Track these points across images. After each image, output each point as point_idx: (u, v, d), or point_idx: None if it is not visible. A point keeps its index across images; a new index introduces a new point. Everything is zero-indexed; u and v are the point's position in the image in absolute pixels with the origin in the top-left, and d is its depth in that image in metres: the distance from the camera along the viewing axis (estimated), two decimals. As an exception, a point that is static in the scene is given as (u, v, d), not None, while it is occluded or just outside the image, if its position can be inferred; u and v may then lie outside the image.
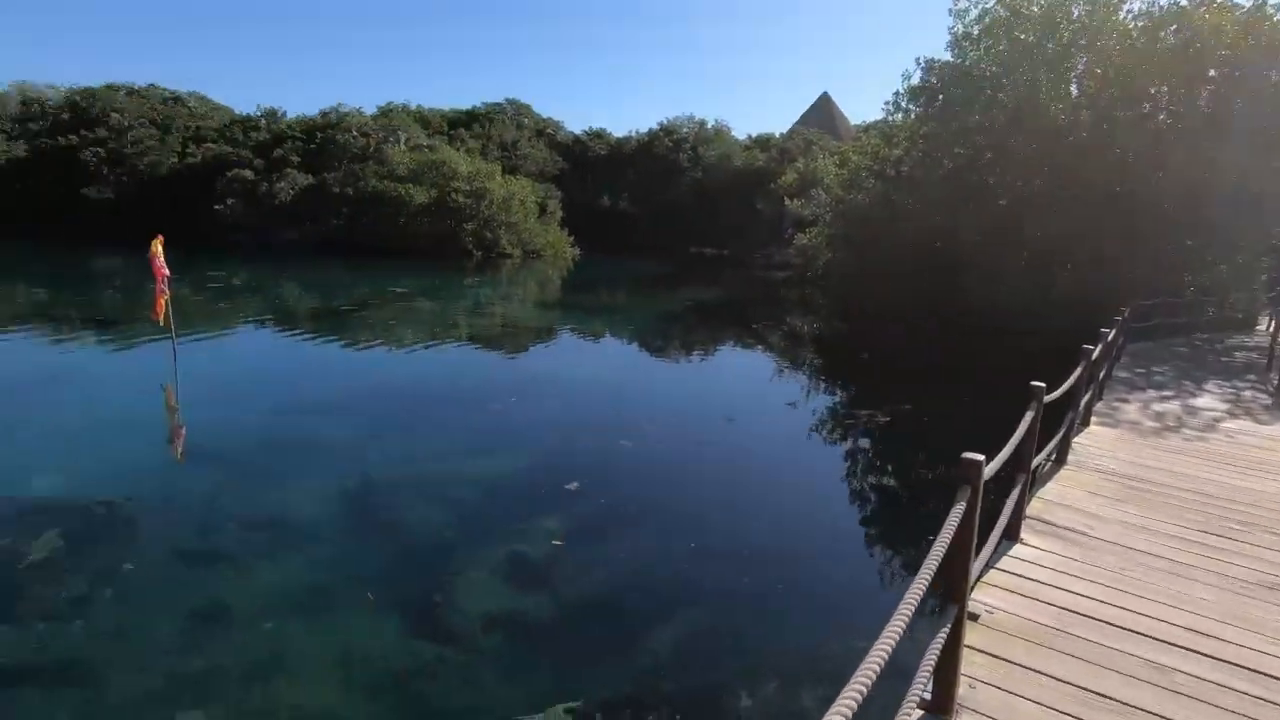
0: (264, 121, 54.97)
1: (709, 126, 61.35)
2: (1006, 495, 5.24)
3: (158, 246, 12.03)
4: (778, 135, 63.31)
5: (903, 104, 22.79)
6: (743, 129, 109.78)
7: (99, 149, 48.25)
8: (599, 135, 65.97)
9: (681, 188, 55.89)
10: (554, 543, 7.47)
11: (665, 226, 55.85)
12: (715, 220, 54.89)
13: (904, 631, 2.21)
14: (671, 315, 24.02)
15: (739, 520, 8.39)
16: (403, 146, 46.45)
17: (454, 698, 5.42)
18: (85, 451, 9.04)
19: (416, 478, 8.88)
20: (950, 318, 20.97)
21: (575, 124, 69.79)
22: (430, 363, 15.59)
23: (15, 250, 36.96)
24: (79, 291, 24.62)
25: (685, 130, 60.38)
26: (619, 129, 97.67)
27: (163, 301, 12.10)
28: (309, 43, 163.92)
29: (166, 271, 12.08)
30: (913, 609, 2.36)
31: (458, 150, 50.25)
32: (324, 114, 53.02)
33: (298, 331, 19.22)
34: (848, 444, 11.64)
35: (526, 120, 67.33)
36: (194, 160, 49.44)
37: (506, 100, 68.23)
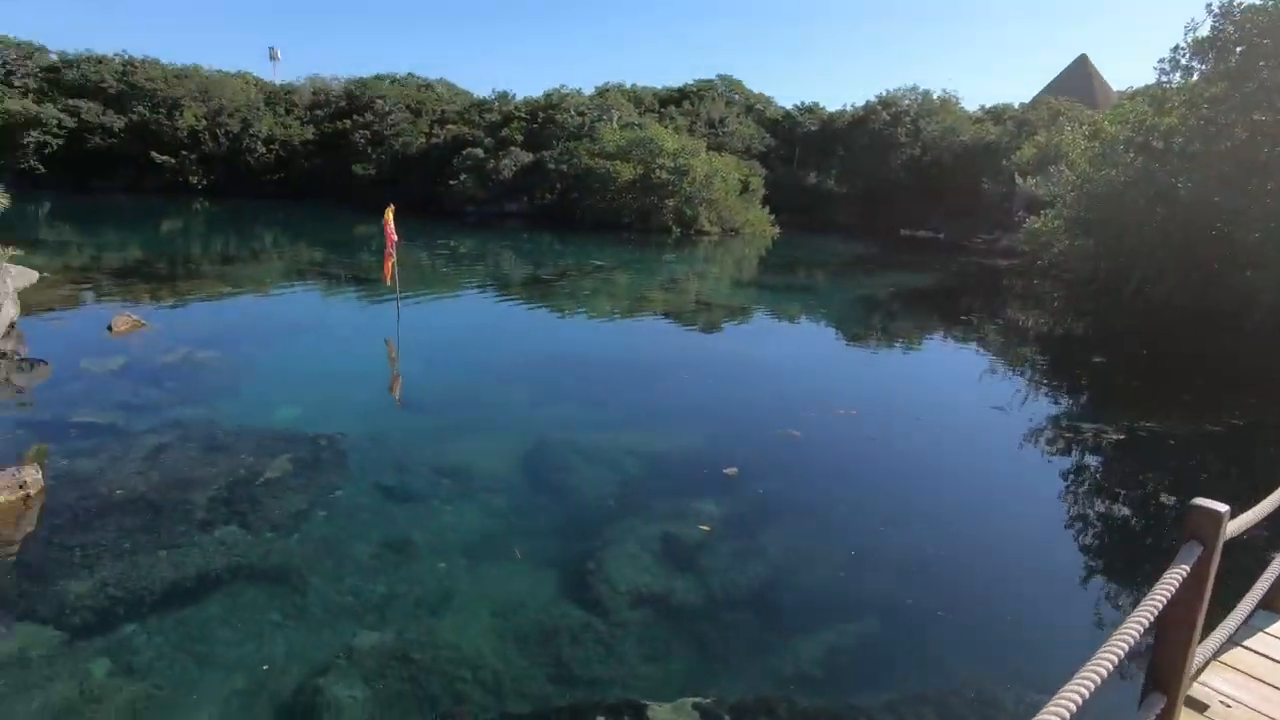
0: (496, 104, 60.08)
1: (934, 97, 56.14)
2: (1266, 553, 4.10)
3: (389, 216, 13.65)
4: (1016, 105, 56.33)
5: (1183, 60, 18.93)
6: (974, 99, 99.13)
7: (366, 131, 55.88)
8: (810, 110, 63.35)
9: (896, 165, 51.94)
10: (701, 528, 7.32)
11: (875, 206, 52.47)
12: (932, 200, 50.41)
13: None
14: (871, 300, 22.45)
15: (911, 532, 7.61)
16: (614, 125, 48.19)
17: (592, 667, 5.51)
18: (319, 392, 10.56)
19: (587, 443, 9.18)
20: (1223, 321, 17.27)
21: (789, 99, 67.36)
22: (616, 333, 16.11)
23: (304, 217, 44.18)
24: (344, 254, 28.75)
25: (906, 102, 55.82)
26: (834, 104, 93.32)
27: (390, 264, 13.75)
28: (534, 32, 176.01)
29: (395, 238, 13.67)
30: (1088, 690, 1.85)
31: (665, 128, 51.13)
32: (547, 95, 56.73)
33: (504, 296, 20.84)
34: (1061, 462, 10.04)
35: (737, 96, 66.53)
36: (438, 140, 55.49)
37: (718, 77, 67.83)
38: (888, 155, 52.01)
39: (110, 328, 11.77)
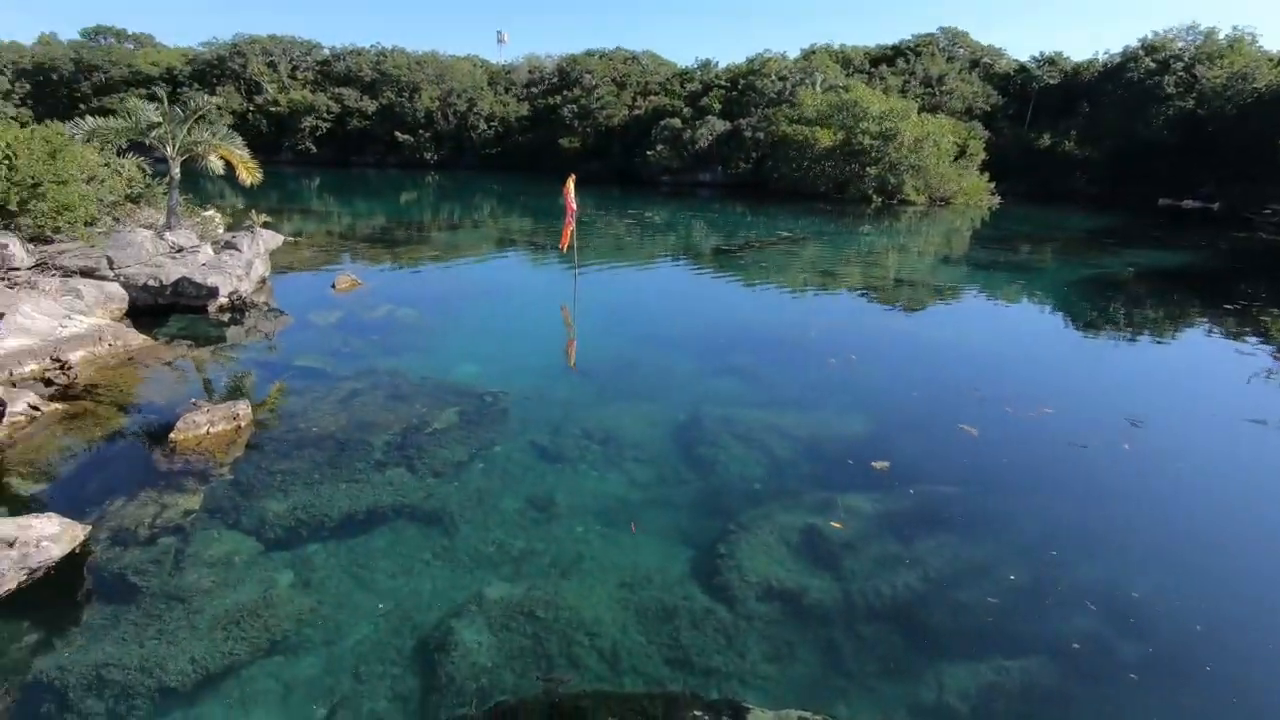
0: (698, 73, 59.93)
1: (1219, 37, 46.21)
2: None
3: (570, 186, 14.07)
4: (1343, 40, 44.70)
5: None
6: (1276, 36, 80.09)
7: (573, 105, 58.65)
8: (1050, 61, 55.37)
9: (1158, 122, 43.71)
10: (833, 525, 6.70)
11: (1125, 171, 44.80)
12: (1206, 163, 41.89)
13: None
14: (1103, 282, 19.16)
15: (1108, 564, 6.35)
16: (817, 89, 45.85)
17: (710, 655, 5.29)
18: (496, 351, 11.28)
19: (742, 420, 8.83)
20: None
21: (1024, 50, 59.43)
22: (793, 308, 15.35)
23: (516, 189, 47.50)
24: (547, 222, 30.44)
25: (1180, 45, 46.62)
26: (1084, 53, 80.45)
27: (569, 232, 14.22)
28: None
29: (574, 207, 14.09)
30: None
31: (875, 89, 47.58)
32: (749, 61, 55.39)
33: (684, 266, 20.82)
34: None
35: (961, 50, 60.02)
36: (639, 111, 56.71)
37: (940, 29, 61.65)
38: (1147, 110, 43.99)
39: (334, 285, 13.58)
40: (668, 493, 7.52)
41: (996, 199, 39.97)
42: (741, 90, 49.66)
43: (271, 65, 62.57)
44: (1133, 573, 6.16)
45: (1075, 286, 18.82)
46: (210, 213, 13.59)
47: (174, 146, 13.05)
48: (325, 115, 59.65)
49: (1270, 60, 43.96)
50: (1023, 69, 55.69)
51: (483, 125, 61.23)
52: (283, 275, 15.73)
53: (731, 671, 5.19)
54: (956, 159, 39.93)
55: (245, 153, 12.32)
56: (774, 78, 47.92)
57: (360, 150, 62.08)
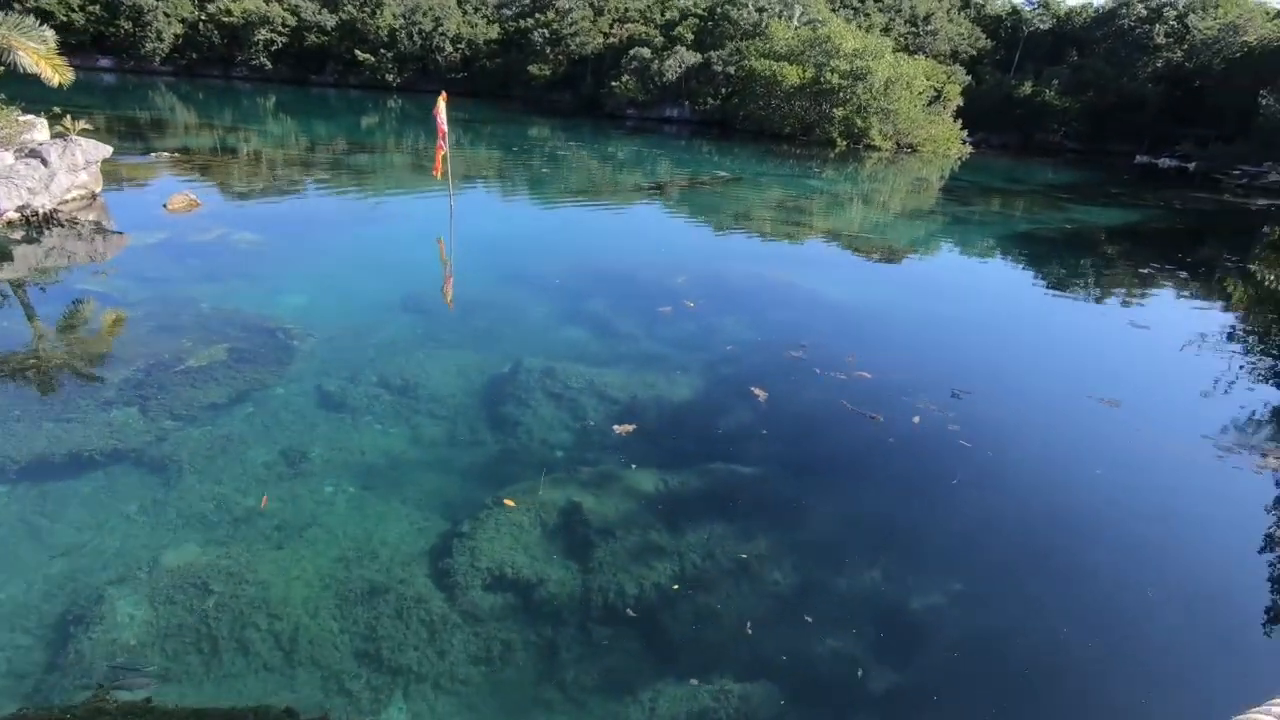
0: (694, 3, 56.88)
1: (1218, -15, 44.12)
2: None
3: (441, 105, 12.84)
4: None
5: None
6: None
7: (544, 30, 55.64)
8: (1044, 5, 52.97)
9: (1144, 74, 42.11)
10: (582, 500, 6.02)
11: (1104, 125, 43.40)
12: (1188, 120, 40.57)
13: None
14: (1030, 239, 18.25)
15: (885, 558, 5.75)
16: (795, 22, 43.56)
17: (404, 650, 4.66)
18: (332, 285, 10.29)
19: (561, 377, 8.01)
20: None
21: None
22: (687, 254, 14.06)
23: (486, 118, 45.08)
24: (533, 158, 28.58)
25: (1176, -8, 44.53)
26: (1085, -3, 77.13)
27: (440, 157, 13.05)
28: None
29: (445, 129, 12.91)
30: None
31: (859, 26, 45.29)
32: (732, -11, 52.52)
33: (593, 204, 19.53)
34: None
35: (954, -12, 57.26)
36: (613, 40, 53.94)
37: (934, -36, 58.64)
38: (1134, 62, 42.31)
39: (166, 205, 12.47)
40: (449, 455, 6.80)
41: (968, 149, 38.59)
42: (717, 20, 47.17)
43: (225, -30, 58.57)
44: (919, 579, 5.55)
45: (999, 242, 17.93)
46: (29, 116, 12.26)
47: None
48: (280, 28, 56.29)
49: (1266, 13, 42.15)
50: (1015, 11, 53.33)
51: (449, 47, 58.14)
52: (124, 192, 14.51)
53: (424, 672, 4.55)
54: (931, 104, 38.33)
55: (43, 45, 10.92)
56: (751, 8, 45.46)
57: (320, 69, 58.96)
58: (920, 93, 36.48)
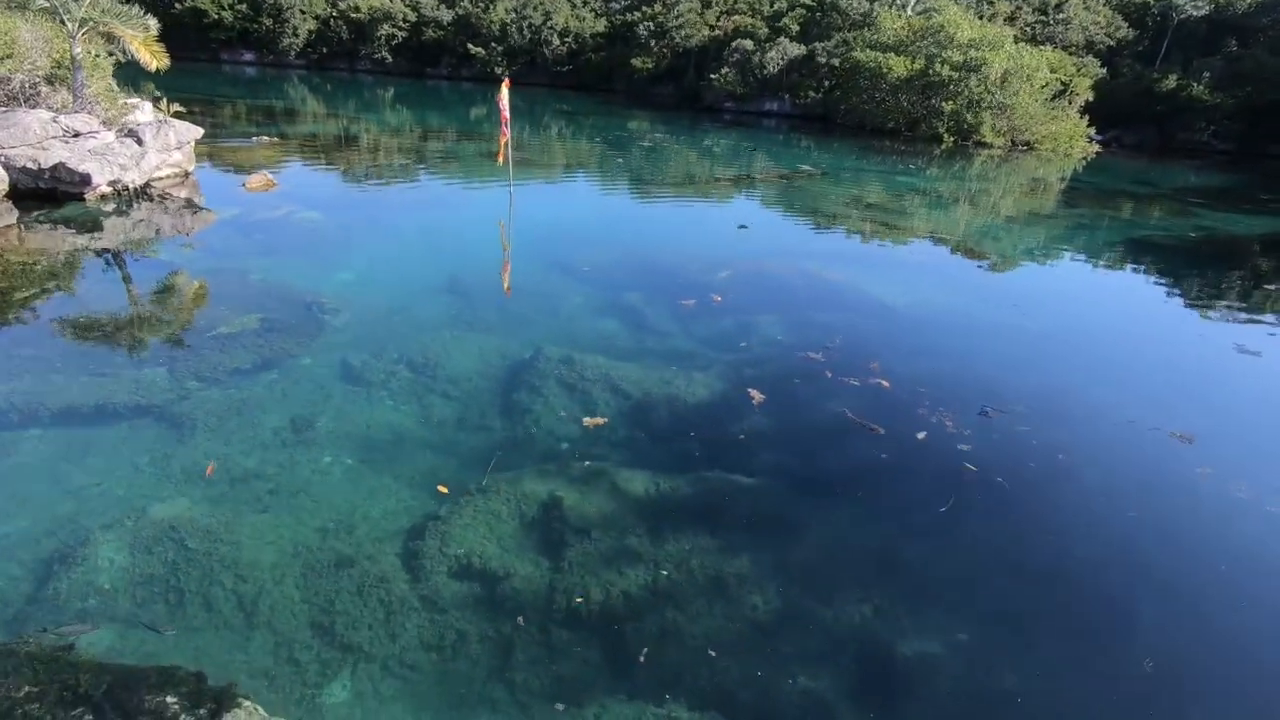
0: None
1: None
2: None
3: (504, 92, 12.90)
4: None
5: None
6: None
7: (649, 23, 55.63)
8: (1202, -12, 47.52)
9: (1320, 65, 36.95)
10: (560, 496, 5.77)
11: (1264, 124, 38.48)
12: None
13: None
14: (1148, 246, 16.33)
15: (877, 594, 5.20)
16: (908, 10, 41.31)
17: (358, 627, 4.69)
18: (380, 263, 10.63)
19: (580, 366, 7.86)
20: None
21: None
22: (750, 252, 13.34)
23: (588, 110, 45.52)
24: (620, 149, 28.85)
25: (1366, -28, 38.77)
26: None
27: (504, 144, 13.12)
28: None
29: (508, 115, 12.95)
30: None
31: (981, 15, 42.36)
32: (846, -22, 50.48)
33: (664, 195, 19.21)
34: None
35: (1095, -27, 52.44)
36: (718, 33, 53.19)
37: (1074, -53, 53.92)
38: (1308, 52, 37.15)
39: (245, 184, 13.26)
40: (453, 436, 6.80)
41: (1094, 148, 35.24)
42: (825, 10, 45.49)
43: (357, -31, 62.37)
44: (908, 620, 4.97)
45: (1100, 248, 16.07)
46: (135, 100, 13.40)
47: (72, 21, 12.20)
48: (402, 24, 59.36)
49: None
50: (1165, -2, 48.16)
51: (556, 40, 59.30)
52: (214, 172, 15.52)
53: (374, 652, 4.54)
54: (1055, 98, 35.27)
55: (144, 33, 11.80)
56: (862, -2, 43.49)
57: (435, 62, 61.74)
58: (1042, 86, 33.63)
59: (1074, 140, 34.21)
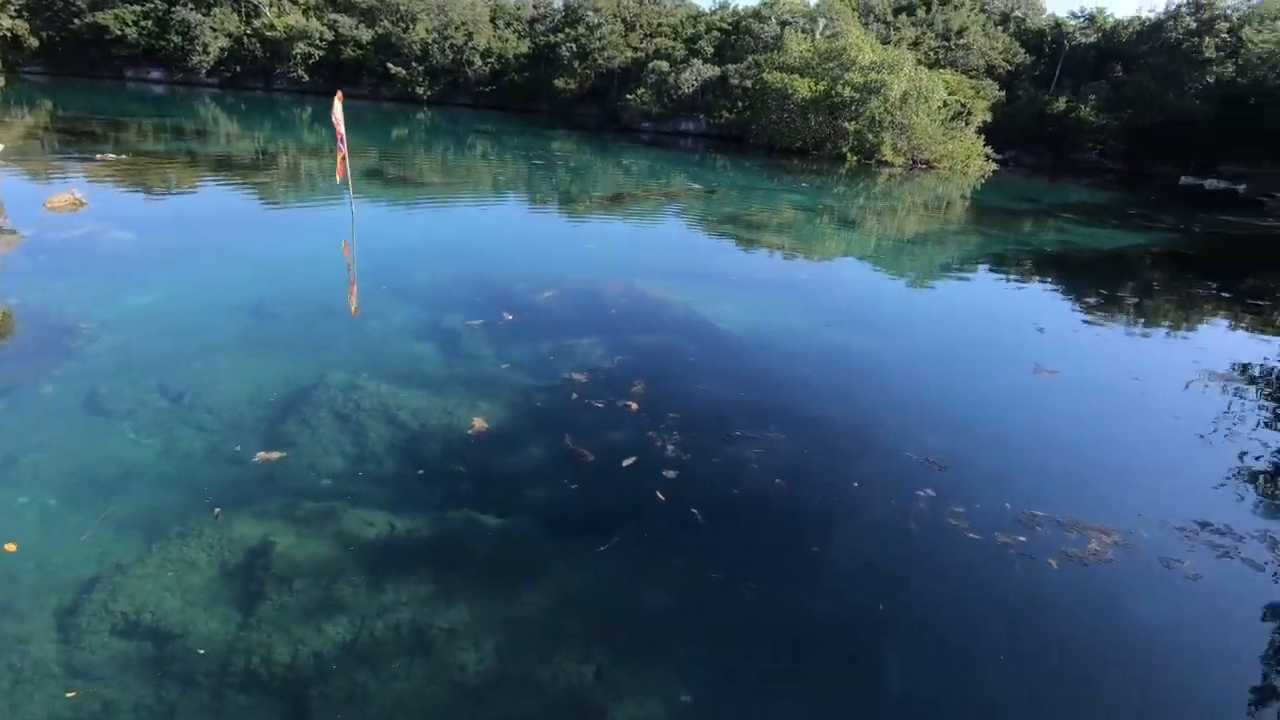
0: (712, 15, 56.49)
1: (1280, -3, 41.18)
2: None
3: (337, 105, 12.45)
4: None
5: None
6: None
7: (573, 44, 55.93)
8: (1091, 19, 50.55)
9: (1192, 89, 39.52)
10: (272, 537, 5.25)
11: (1148, 144, 40.86)
12: (1238, 139, 37.80)
13: None
14: (999, 259, 16.79)
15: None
16: (817, 35, 42.52)
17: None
18: (183, 285, 9.89)
19: (360, 394, 7.34)
20: None
21: (1068, 4, 54.21)
22: (580, 265, 13.02)
23: (511, 131, 45.02)
24: (508, 167, 28.56)
25: (1229, 3, 41.78)
26: (1127, 9, 73.05)
27: (341, 160, 12.62)
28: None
29: (343, 131, 12.48)
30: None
31: (884, 41, 43.91)
32: (764, 3, 51.74)
33: (536, 212, 18.89)
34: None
35: (996, 2, 55.20)
36: (640, 55, 53.76)
37: (976, -23, 56.74)
38: (1182, 77, 39.76)
39: (46, 203, 12.39)
40: (192, 471, 6.16)
41: (991, 166, 36.69)
42: (740, 34, 46.49)
43: (273, -12, 60.95)
44: (632, 683, 4.62)
45: (948, 262, 16.31)
46: None
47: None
48: (319, 42, 58.14)
49: (1332, 26, 39.04)
50: (1058, 25, 50.98)
51: (479, 61, 59.04)
52: (22, 189, 14.51)
53: None
54: (953, 119, 36.65)
55: None
56: (774, 21, 44.62)
57: (355, 81, 60.55)
58: (940, 107, 34.90)
59: (971, 159, 35.55)
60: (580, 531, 5.67)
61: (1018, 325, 11.99)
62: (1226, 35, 39.68)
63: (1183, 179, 39.20)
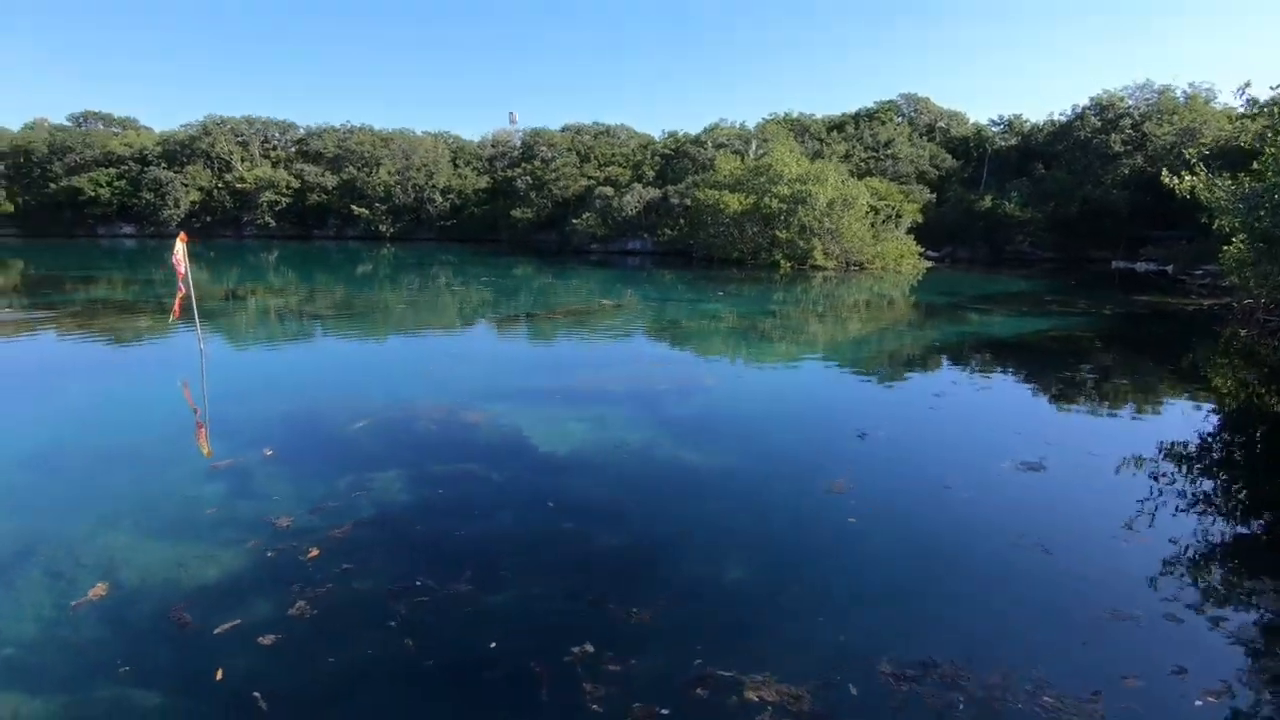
0: (660, 144, 59.95)
1: (1174, 94, 44.18)
2: None
3: (179, 247, 12.51)
4: (1306, 94, 42.15)
5: None
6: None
7: (529, 177, 58.85)
8: (1009, 125, 53.96)
9: (1109, 181, 41.48)
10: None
11: (1076, 232, 42.35)
12: (1157, 223, 39.24)
13: None
14: (897, 355, 16.60)
15: None
16: (750, 156, 44.89)
17: None
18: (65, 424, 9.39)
19: (83, 552, 6.68)
20: None
21: (988, 112, 58.07)
22: (391, 400, 11.91)
23: (472, 260, 45.90)
24: (505, 295, 28.80)
25: (1130, 103, 44.74)
26: (1041, 114, 78.24)
27: (180, 300, 12.50)
28: (748, 71, 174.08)
29: (183, 271, 12.47)
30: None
31: (816, 155, 46.44)
32: (706, 130, 55.10)
33: (421, 336, 18.71)
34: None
35: (922, 115, 59.13)
36: (593, 182, 56.50)
37: (901, 96, 61.13)
38: (1097, 170, 41.83)
39: None
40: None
41: (925, 264, 37.66)
42: (679, 157, 49.10)
43: (244, 144, 64.67)
44: None
45: (841, 358, 15.96)
46: None
47: None
48: (285, 190, 60.91)
49: (1229, 114, 41.62)
50: (980, 132, 54.31)
51: (439, 198, 61.79)
52: None
53: None
54: (885, 221, 37.98)
55: None
56: (710, 145, 47.25)
57: (321, 223, 63.06)
58: (866, 212, 36.26)
59: (903, 258, 36.51)
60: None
61: (837, 431, 10.74)
62: (1131, 130, 42.15)
63: (1114, 263, 40.28)
